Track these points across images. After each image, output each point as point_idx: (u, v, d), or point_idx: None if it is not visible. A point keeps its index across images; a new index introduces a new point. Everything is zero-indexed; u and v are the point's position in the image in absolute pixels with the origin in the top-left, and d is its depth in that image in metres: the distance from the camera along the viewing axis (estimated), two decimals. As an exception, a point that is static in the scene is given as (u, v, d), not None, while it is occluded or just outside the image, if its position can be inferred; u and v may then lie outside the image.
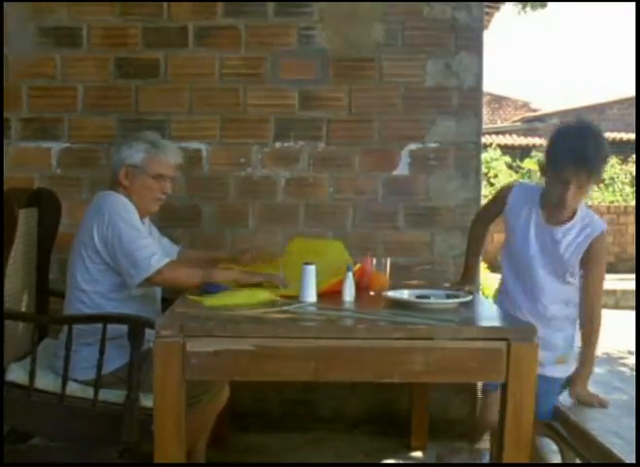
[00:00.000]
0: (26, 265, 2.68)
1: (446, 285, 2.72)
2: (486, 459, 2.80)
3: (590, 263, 2.29)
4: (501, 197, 2.46)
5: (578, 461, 2.22)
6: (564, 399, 2.33)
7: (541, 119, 17.94)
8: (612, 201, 11.26)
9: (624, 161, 13.13)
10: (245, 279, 2.50)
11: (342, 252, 2.67)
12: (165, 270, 2.38)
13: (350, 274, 2.34)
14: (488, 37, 3.61)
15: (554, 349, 2.35)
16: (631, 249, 9.49)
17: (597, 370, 2.87)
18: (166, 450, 1.95)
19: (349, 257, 2.61)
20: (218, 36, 3.22)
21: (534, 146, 16.15)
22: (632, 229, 9.79)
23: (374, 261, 2.58)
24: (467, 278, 2.68)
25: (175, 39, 3.22)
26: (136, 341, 2.23)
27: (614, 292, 8.07)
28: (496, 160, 12.87)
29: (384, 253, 3.16)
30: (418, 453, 3.11)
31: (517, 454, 1.96)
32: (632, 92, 14.55)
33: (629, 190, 12.04)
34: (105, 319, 2.30)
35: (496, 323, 2.17)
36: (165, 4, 3.21)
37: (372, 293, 2.50)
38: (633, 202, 11.05)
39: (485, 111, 18.87)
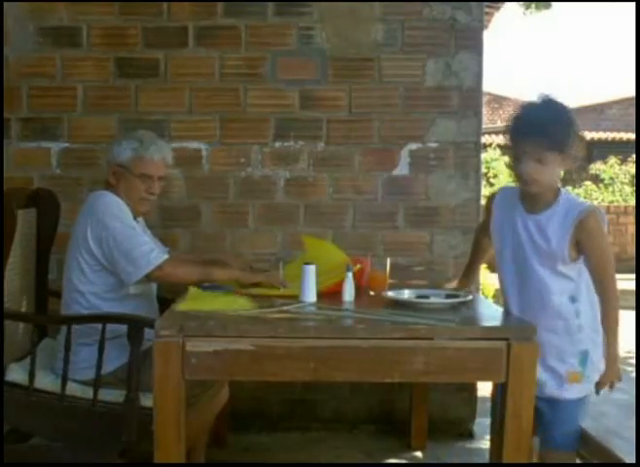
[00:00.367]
0: (25, 265, 2.68)
1: (447, 286, 2.71)
2: (486, 459, 2.79)
3: (587, 245, 2.07)
4: (487, 205, 2.38)
5: (578, 461, 2.22)
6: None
7: (541, 119, 17.90)
8: (612, 201, 11.26)
9: (624, 161, 13.13)
10: (246, 278, 2.50)
11: (340, 254, 2.67)
12: (165, 266, 2.38)
13: (350, 274, 2.34)
14: (488, 37, 3.60)
15: (560, 361, 2.11)
16: (631, 249, 9.49)
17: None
18: (166, 450, 1.95)
19: (346, 257, 2.61)
20: (218, 36, 3.22)
21: (534, 146, 16.14)
22: (632, 229, 9.79)
23: (374, 261, 2.58)
24: (464, 281, 2.66)
25: (175, 39, 3.22)
26: (136, 340, 2.23)
27: (614, 292, 8.06)
28: (496, 160, 12.85)
29: (384, 253, 3.16)
30: (418, 453, 3.11)
31: (517, 454, 1.96)
32: (632, 92, 14.56)
33: (629, 190, 12.05)
34: (104, 319, 2.30)
35: (496, 323, 2.17)
36: (165, 4, 3.21)
37: (372, 293, 2.50)
38: (633, 202, 11.05)
39: (485, 111, 18.86)
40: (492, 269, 7.92)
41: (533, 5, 6.40)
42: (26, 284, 2.70)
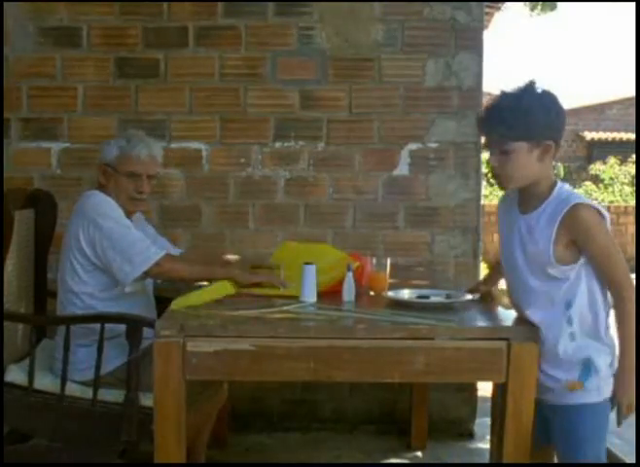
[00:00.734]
0: (24, 266, 2.68)
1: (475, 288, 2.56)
2: (486, 459, 2.79)
3: (585, 244, 1.87)
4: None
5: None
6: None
7: (541, 119, 17.90)
8: (612, 201, 11.26)
9: (624, 161, 13.13)
10: (245, 278, 2.50)
11: (336, 252, 2.67)
12: (163, 262, 2.37)
13: (350, 274, 2.34)
14: (488, 37, 3.60)
15: (558, 368, 1.92)
16: (631, 249, 9.48)
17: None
18: (166, 450, 1.95)
19: (345, 254, 2.61)
20: (218, 36, 3.22)
21: (534, 146, 16.15)
22: (632, 229, 9.79)
23: (375, 261, 2.57)
24: (486, 282, 2.47)
25: (175, 39, 3.22)
26: (134, 340, 2.23)
27: (614, 292, 8.06)
28: (496, 160, 12.84)
29: (384, 253, 3.16)
30: (418, 453, 3.11)
31: (517, 454, 1.96)
32: (632, 92, 14.55)
33: (629, 190, 12.05)
34: (103, 319, 2.30)
35: (496, 323, 2.17)
36: (165, 4, 3.20)
37: (372, 293, 2.50)
38: (633, 202, 11.05)
39: (485, 111, 18.81)
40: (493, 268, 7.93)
41: (539, 6, 6.36)
42: (25, 285, 2.70)
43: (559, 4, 6.41)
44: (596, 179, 12.96)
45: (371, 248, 3.20)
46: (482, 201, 3.34)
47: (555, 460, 2.05)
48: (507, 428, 1.95)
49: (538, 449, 2.00)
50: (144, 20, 3.21)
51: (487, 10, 4.51)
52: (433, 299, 2.31)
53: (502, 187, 1.97)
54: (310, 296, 2.26)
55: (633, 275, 8.61)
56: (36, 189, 2.87)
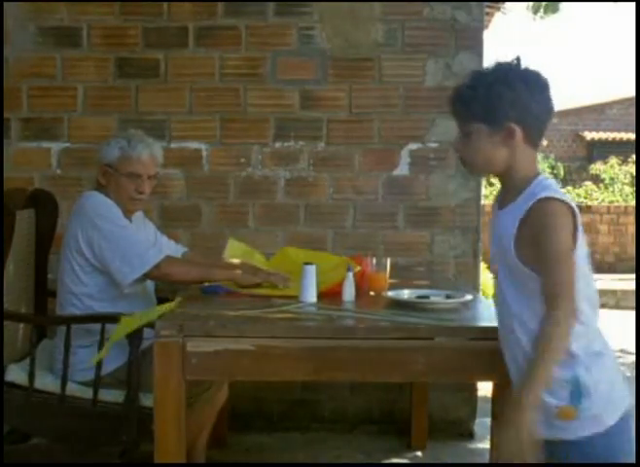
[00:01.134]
0: (24, 266, 2.68)
1: None
2: (486, 459, 2.79)
3: (537, 238, 1.56)
4: None
5: (578, 461, 2.22)
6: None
7: (541, 119, 17.91)
8: (612, 201, 11.25)
9: (624, 161, 13.13)
10: (246, 280, 2.50)
11: (335, 258, 2.68)
12: (163, 265, 2.37)
13: (350, 274, 2.35)
14: (488, 37, 3.61)
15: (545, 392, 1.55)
16: (631, 249, 9.49)
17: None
18: (166, 450, 1.95)
19: (345, 258, 2.61)
20: (218, 36, 3.22)
21: (534, 146, 16.14)
22: (632, 229, 9.79)
23: (375, 261, 2.58)
24: None
25: (175, 39, 3.22)
26: (135, 340, 2.23)
27: (614, 292, 8.07)
28: (496, 159, 12.84)
29: (384, 253, 3.16)
30: (418, 453, 3.11)
31: (517, 454, 1.95)
32: (632, 92, 14.54)
33: (629, 190, 12.03)
34: (104, 319, 2.30)
35: (496, 323, 2.17)
36: (165, 4, 3.20)
37: (372, 293, 2.50)
38: (633, 202, 11.04)
39: (485, 111, 18.81)
40: (492, 269, 7.93)
41: (542, 9, 6.34)
42: (25, 285, 2.70)
43: (561, 4, 6.40)
44: (596, 179, 12.95)
45: (371, 248, 3.19)
46: (482, 201, 3.34)
47: None
48: (507, 428, 1.95)
49: None
50: (144, 20, 3.21)
51: (487, 10, 4.50)
52: (433, 299, 2.31)
53: (470, 173, 1.83)
54: (310, 296, 2.26)
55: (633, 275, 8.42)
56: (37, 189, 2.87)
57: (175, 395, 1.93)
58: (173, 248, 2.79)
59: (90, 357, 2.30)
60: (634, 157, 12.54)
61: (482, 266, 3.54)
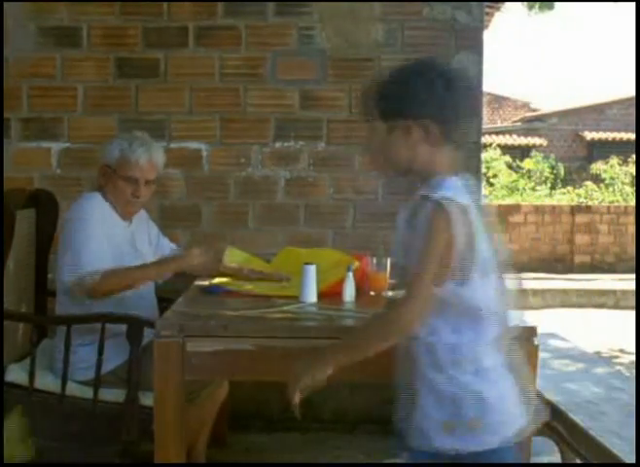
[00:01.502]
0: (25, 266, 2.68)
1: None
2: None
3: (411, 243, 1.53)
4: None
5: (578, 461, 2.22)
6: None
7: (541, 119, 17.95)
8: (612, 201, 11.25)
9: (625, 161, 13.13)
10: (194, 259, 2.50)
11: (337, 253, 2.68)
12: (88, 284, 2.29)
13: (350, 274, 2.34)
14: (488, 37, 3.61)
15: (434, 404, 1.55)
16: (631, 249, 9.49)
17: (596, 370, 2.88)
18: (167, 450, 1.95)
19: (346, 256, 2.61)
20: (218, 36, 3.22)
21: (534, 146, 16.17)
22: (632, 229, 9.79)
23: (375, 261, 2.57)
24: None
25: (175, 39, 3.22)
26: (135, 340, 2.23)
27: (614, 292, 8.08)
28: (496, 160, 12.87)
29: (384, 253, 3.16)
30: (418, 453, 3.10)
31: (518, 454, 1.96)
32: (632, 92, 14.55)
33: (629, 190, 12.04)
34: (104, 319, 2.30)
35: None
36: (165, 4, 3.20)
37: (372, 293, 2.49)
38: (633, 202, 11.04)
39: (485, 111, 18.90)
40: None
41: (537, 5, 6.38)
42: (26, 284, 2.70)
43: (559, 4, 6.42)
44: (597, 179, 12.96)
45: (371, 248, 3.19)
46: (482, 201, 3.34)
47: None
48: (507, 428, 1.95)
49: None
50: (144, 20, 3.21)
51: (487, 10, 4.51)
52: (433, 299, 2.31)
53: (383, 174, 1.77)
54: (310, 296, 2.26)
55: (633, 275, 8.46)
56: (37, 189, 2.87)
57: (175, 395, 1.92)
58: (174, 249, 2.79)
59: (91, 356, 2.30)
60: (634, 157, 12.55)
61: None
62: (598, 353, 4.96)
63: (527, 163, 13.39)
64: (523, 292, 7.98)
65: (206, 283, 2.52)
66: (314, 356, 1.57)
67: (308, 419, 3.31)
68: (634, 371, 4.47)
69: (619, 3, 6.16)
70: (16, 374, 2.43)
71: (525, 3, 6.39)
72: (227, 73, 3.23)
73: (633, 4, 4.99)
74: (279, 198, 3.27)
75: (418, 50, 3.21)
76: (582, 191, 11.92)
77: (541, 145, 16.36)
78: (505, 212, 9.95)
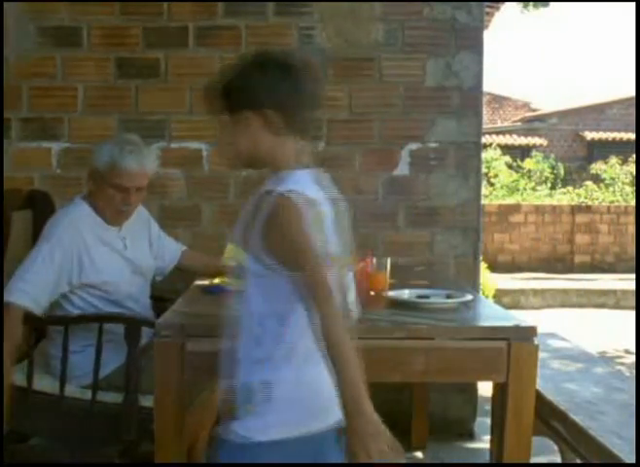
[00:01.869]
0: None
1: None
2: (486, 459, 2.79)
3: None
4: None
5: (578, 461, 2.22)
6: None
7: (541, 119, 17.95)
8: (612, 201, 11.25)
9: (625, 161, 13.13)
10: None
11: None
12: (7, 309, 2.23)
13: (350, 274, 2.34)
14: (488, 37, 3.61)
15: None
16: (631, 249, 9.49)
17: (596, 370, 2.87)
18: (167, 450, 1.95)
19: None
20: (218, 36, 3.22)
21: (534, 146, 16.17)
22: (632, 229, 9.79)
23: (375, 261, 2.58)
24: None
25: (175, 39, 3.21)
26: (133, 341, 2.22)
27: (614, 292, 8.08)
28: (496, 160, 12.87)
29: (384, 253, 3.16)
30: (418, 453, 3.11)
31: (518, 454, 1.96)
32: (632, 92, 14.55)
33: (629, 190, 12.04)
34: (102, 319, 2.29)
35: (496, 323, 2.17)
36: (165, 4, 3.20)
37: (372, 293, 2.49)
38: (633, 202, 11.04)
39: (485, 111, 18.87)
40: (492, 268, 7.93)
41: (531, 3, 6.42)
42: (25, 285, 2.69)
43: (557, 4, 6.46)
44: (597, 179, 12.96)
45: (371, 248, 3.19)
46: (482, 201, 3.34)
47: None
48: (507, 428, 1.95)
49: None
50: (144, 20, 3.21)
51: (487, 10, 4.50)
52: (433, 299, 2.31)
53: (239, 165, 1.76)
54: (310, 296, 2.26)
55: (633, 275, 8.45)
56: (33, 189, 2.87)
57: (175, 395, 1.92)
58: (174, 247, 2.78)
59: (86, 362, 2.27)
60: (634, 157, 12.55)
61: (482, 266, 3.54)
62: (603, 353, 4.96)
63: (527, 163, 13.39)
64: (523, 292, 7.97)
65: (206, 283, 2.52)
66: (365, 419, 1.46)
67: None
68: (634, 371, 4.47)
69: (619, 3, 6.17)
70: (14, 375, 2.43)
71: (521, 2, 6.42)
72: (227, 73, 3.22)
73: (633, 4, 4.99)
74: (279, 198, 3.26)
75: (418, 50, 3.21)
76: (582, 191, 11.92)
77: (541, 145, 16.36)
78: (505, 212, 9.95)
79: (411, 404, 3.14)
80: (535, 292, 8.10)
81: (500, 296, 7.27)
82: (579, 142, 17.07)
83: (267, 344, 1.53)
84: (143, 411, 2.21)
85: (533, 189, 12.40)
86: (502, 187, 12.05)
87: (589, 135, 16.90)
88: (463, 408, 3.34)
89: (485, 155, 12.41)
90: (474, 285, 3.23)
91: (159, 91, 3.23)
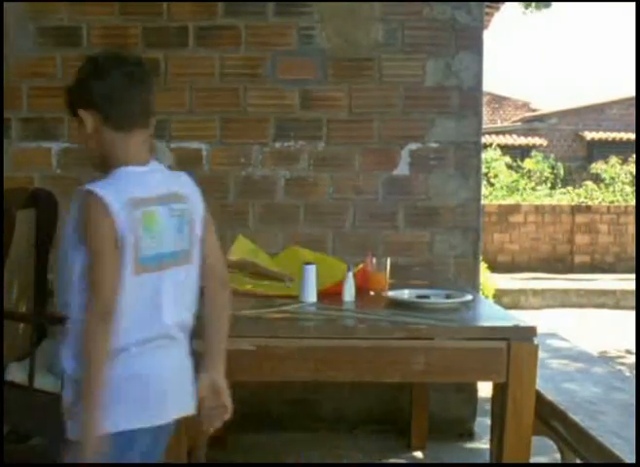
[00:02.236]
0: (25, 265, 2.68)
1: None
2: (486, 459, 2.79)
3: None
4: None
5: (578, 461, 2.22)
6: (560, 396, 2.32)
7: (541, 119, 17.94)
8: (612, 201, 11.25)
9: (625, 161, 13.12)
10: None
11: (344, 265, 2.69)
12: None
13: (350, 274, 2.35)
14: (488, 37, 3.61)
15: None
16: (631, 249, 9.48)
17: (596, 369, 2.88)
18: (166, 450, 1.94)
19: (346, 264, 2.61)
20: (218, 36, 3.22)
21: (534, 146, 16.16)
22: (632, 229, 9.78)
23: (375, 261, 2.58)
24: None
25: (175, 39, 3.22)
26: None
27: (614, 292, 8.07)
28: (496, 160, 12.86)
29: (384, 253, 3.16)
30: (418, 453, 3.11)
31: (518, 454, 1.96)
32: (632, 92, 14.55)
33: (629, 190, 12.03)
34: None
35: (496, 323, 2.17)
36: (165, 4, 3.21)
37: (372, 293, 2.50)
38: (633, 202, 11.04)
39: (485, 111, 18.87)
40: (492, 268, 7.93)
41: (533, 4, 6.42)
42: (25, 284, 2.70)
43: (557, 3, 6.46)
44: (597, 179, 12.96)
45: (370, 248, 3.20)
46: (482, 201, 3.34)
47: None
48: (507, 428, 1.96)
49: None
50: (144, 20, 3.21)
51: (487, 10, 4.50)
52: (433, 299, 2.31)
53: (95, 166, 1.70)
54: (310, 296, 2.26)
55: (633, 275, 8.45)
56: (37, 188, 2.87)
57: (175, 395, 1.92)
58: None
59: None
60: (634, 157, 12.55)
61: (482, 266, 3.54)
62: (603, 353, 4.96)
63: (527, 163, 13.38)
64: (523, 292, 7.97)
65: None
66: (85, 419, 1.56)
67: (308, 419, 3.34)
68: (634, 371, 4.47)
69: (619, 3, 6.18)
70: (15, 373, 2.43)
71: (523, 2, 6.42)
72: (227, 73, 3.23)
73: (633, 4, 4.99)
74: (279, 198, 3.27)
75: (418, 50, 3.21)
76: (582, 191, 11.91)
77: (541, 145, 16.35)
78: (505, 212, 9.95)
79: (411, 404, 3.14)
80: (535, 292, 8.09)
81: (500, 296, 7.27)
82: (579, 142, 17.07)
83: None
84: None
85: (533, 189, 12.39)
86: (502, 187, 12.05)
87: (589, 135, 16.89)
88: (463, 408, 3.34)
89: (485, 155, 12.41)
90: (473, 285, 3.23)
91: (158, 91, 3.20)
